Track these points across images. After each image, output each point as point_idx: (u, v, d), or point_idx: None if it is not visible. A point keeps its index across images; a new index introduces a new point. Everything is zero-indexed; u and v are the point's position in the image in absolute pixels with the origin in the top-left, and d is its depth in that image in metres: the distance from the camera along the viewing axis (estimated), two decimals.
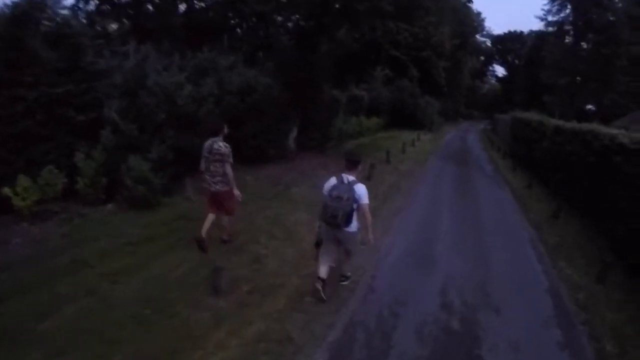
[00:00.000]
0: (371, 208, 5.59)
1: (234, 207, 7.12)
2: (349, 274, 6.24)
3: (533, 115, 19.75)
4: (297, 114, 16.06)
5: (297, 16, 18.43)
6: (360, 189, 5.18)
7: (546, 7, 49.40)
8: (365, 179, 12.18)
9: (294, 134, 16.30)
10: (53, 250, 7.27)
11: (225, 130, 6.89)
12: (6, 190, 8.29)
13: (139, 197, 9.25)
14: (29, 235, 8.03)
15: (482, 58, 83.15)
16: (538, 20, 68.71)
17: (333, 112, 20.76)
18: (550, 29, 50.05)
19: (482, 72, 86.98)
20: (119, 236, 7.79)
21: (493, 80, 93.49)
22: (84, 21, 14.53)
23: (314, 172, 12.99)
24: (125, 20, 23.91)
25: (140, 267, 6.52)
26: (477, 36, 73.49)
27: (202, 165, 6.83)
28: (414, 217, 9.71)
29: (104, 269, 6.31)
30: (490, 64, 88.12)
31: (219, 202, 6.89)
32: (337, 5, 18.54)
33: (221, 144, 6.65)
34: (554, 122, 15.09)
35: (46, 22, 9.92)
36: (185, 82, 10.45)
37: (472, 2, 17.76)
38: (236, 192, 6.89)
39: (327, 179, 5.50)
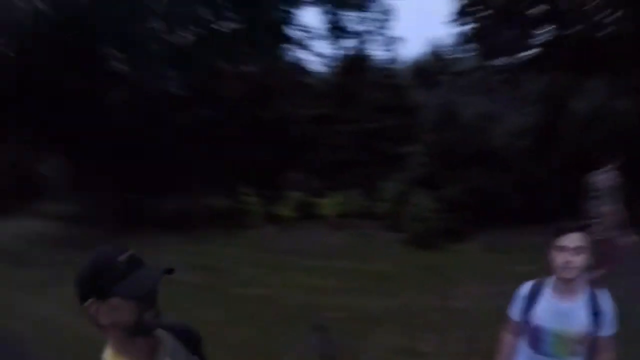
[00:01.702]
0: None
1: (614, 260, 5.05)
2: None
3: None
4: None
5: None
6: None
7: None
8: None
9: None
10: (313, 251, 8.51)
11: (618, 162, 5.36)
12: (318, 201, 10.17)
13: (417, 235, 8.48)
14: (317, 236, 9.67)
15: None
16: None
17: None
18: None
19: None
20: (362, 262, 7.78)
21: None
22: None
23: None
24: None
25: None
26: None
27: (593, 207, 5.35)
28: None
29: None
30: None
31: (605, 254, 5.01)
32: None
33: (605, 176, 5.26)
34: None
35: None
36: (502, 114, 8.35)
37: None
38: (625, 239, 5.06)
39: None
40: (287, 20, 16.02)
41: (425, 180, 8.97)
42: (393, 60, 12.99)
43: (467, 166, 8.67)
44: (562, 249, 2.08)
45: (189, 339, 1.29)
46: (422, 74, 10.83)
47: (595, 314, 2.18)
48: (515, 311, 2.36)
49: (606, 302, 2.23)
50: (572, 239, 2.10)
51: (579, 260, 2.05)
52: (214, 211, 10.89)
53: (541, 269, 4.62)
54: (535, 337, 2.24)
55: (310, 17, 23.87)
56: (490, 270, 7.12)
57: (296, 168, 11.54)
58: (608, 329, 2.20)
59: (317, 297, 6.43)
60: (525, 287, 2.36)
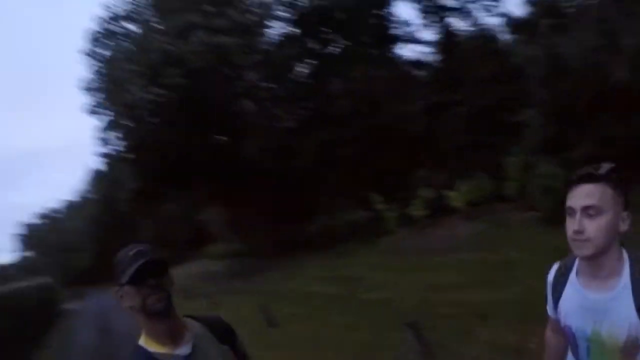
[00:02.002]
0: None
1: None
2: None
3: None
4: None
5: None
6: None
7: None
8: None
9: None
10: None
11: None
12: (447, 194, 9.93)
13: (548, 211, 7.58)
14: (448, 230, 9.70)
15: None
16: None
17: None
18: None
19: None
20: (490, 252, 7.46)
21: None
22: None
23: None
24: None
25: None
26: None
27: None
28: None
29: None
30: None
31: None
32: None
33: None
34: None
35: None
36: (617, 41, 6.63)
37: None
38: None
39: None
40: (386, 22, 16.29)
41: (548, 145, 7.92)
42: (497, 25, 11.84)
43: (591, 115, 7.33)
44: (570, 211, 1.33)
45: (221, 331, 1.37)
46: (524, 27, 9.46)
47: None
48: (548, 303, 1.64)
49: None
50: (580, 195, 1.31)
51: (592, 228, 1.26)
52: (351, 225, 11.79)
53: None
54: (570, 341, 1.52)
55: (407, 10, 23.38)
56: (634, 241, 5.79)
57: (420, 164, 11.49)
58: None
59: (435, 295, 6.61)
60: (552, 271, 1.60)
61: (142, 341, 1.25)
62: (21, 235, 52.90)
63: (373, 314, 6.52)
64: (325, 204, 12.66)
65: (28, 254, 52.52)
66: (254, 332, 7.30)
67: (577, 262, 1.45)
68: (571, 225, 1.28)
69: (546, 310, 1.56)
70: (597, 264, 1.31)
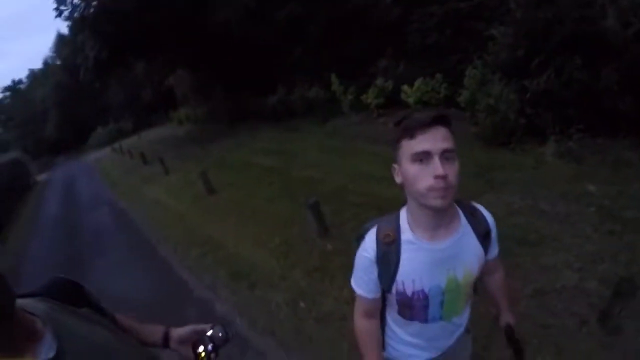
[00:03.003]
0: None
1: None
2: None
3: None
4: None
5: None
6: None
7: None
8: None
9: None
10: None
11: None
12: (404, 87, 9.88)
13: (487, 129, 7.84)
14: None
15: None
16: None
17: None
18: None
19: None
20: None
21: None
22: None
23: None
24: None
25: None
26: None
27: None
28: None
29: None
30: None
31: None
32: None
33: None
34: None
35: None
36: None
37: None
38: None
39: None
40: None
41: (509, 66, 7.77)
42: None
43: (562, 52, 7.10)
44: (424, 155, 1.15)
45: (70, 295, 1.06)
46: None
47: (484, 235, 1.35)
48: (366, 285, 1.40)
49: (487, 214, 1.41)
50: (438, 138, 1.15)
51: (452, 173, 1.15)
52: (308, 102, 11.81)
53: (622, 194, 4.12)
54: (415, 306, 1.35)
55: None
56: (550, 182, 5.62)
57: (385, 56, 11.14)
58: (496, 246, 1.45)
59: (352, 182, 6.98)
60: (370, 247, 1.35)
61: None
62: None
63: (296, 190, 7.04)
64: (287, 78, 12.41)
65: None
66: (196, 196, 7.97)
67: (404, 220, 1.33)
68: (427, 172, 1.12)
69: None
70: (443, 213, 1.23)
